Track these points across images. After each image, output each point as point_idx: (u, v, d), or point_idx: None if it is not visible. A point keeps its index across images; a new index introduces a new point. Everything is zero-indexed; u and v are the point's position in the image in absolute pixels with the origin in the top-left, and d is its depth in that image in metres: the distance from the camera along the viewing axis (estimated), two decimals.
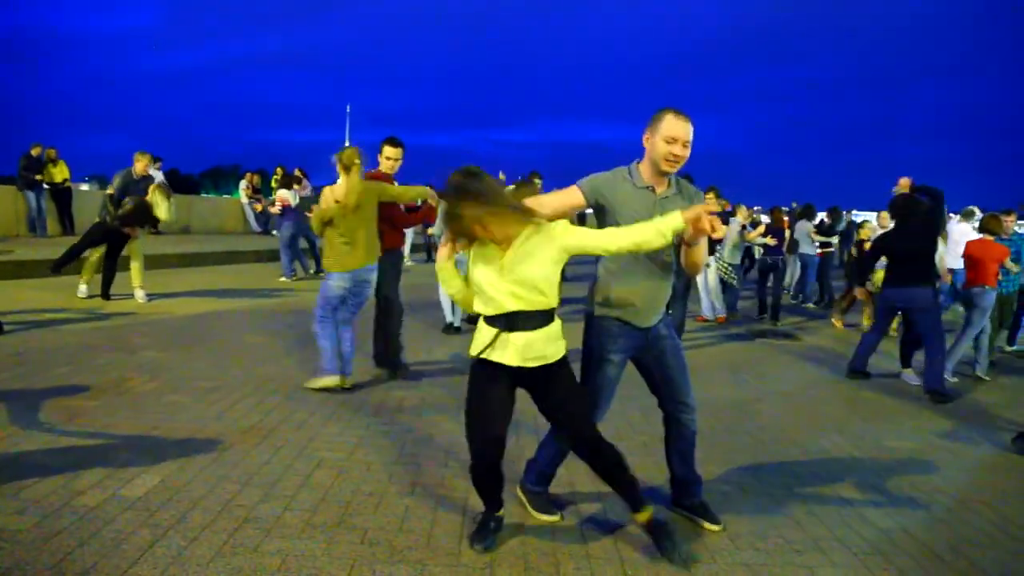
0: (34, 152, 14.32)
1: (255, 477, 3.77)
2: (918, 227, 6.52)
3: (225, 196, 38.90)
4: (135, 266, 8.94)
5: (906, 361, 7.21)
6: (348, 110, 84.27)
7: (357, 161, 5.31)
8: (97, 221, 8.67)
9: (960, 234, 10.06)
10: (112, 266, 8.82)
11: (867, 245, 10.39)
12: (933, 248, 6.58)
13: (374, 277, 5.47)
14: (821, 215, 14.07)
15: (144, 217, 8.49)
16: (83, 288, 8.81)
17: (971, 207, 11.90)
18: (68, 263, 8.71)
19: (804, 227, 12.94)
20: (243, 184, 20.15)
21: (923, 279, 6.46)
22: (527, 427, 4.84)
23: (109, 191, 8.73)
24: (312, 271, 12.61)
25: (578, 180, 3.28)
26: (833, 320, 10.71)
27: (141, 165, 8.74)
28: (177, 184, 59.80)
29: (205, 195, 63.40)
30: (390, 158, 5.77)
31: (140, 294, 8.89)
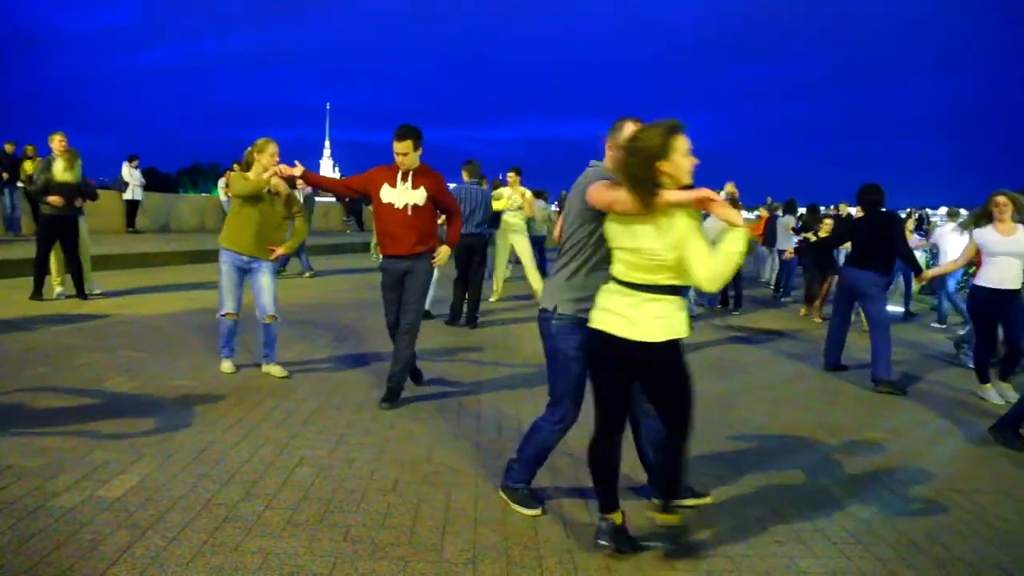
0: (8, 149, 14.12)
1: (236, 475, 3.74)
2: (882, 214, 6.68)
3: (204, 194, 38.61)
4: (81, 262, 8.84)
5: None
6: (328, 108, 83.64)
7: (256, 155, 5.47)
8: (37, 216, 8.57)
9: (945, 234, 10.16)
10: (76, 263, 8.66)
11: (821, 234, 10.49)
12: (893, 235, 6.56)
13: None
14: (802, 210, 14.16)
15: (59, 185, 8.25)
16: (58, 289, 8.70)
17: (955, 208, 12.09)
18: (42, 280, 8.58)
19: (784, 222, 13.02)
20: (222, 182, 19.89)
21: (876, 265, 6.51)
22: (509, 427, 4.86)
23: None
24: (309, 274, 12.38)
25: (595, 179, 3.19)
26: (813, 316, 10.79)
27: (54, 144, 8.52)
28: (156, 183, 59.17)
29: (184, 193, 62.80)
30: (397, 153, 5.06)
31: (89, 288, 8.82)
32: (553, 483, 3.86)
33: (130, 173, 16.23)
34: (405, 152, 5.03)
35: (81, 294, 8.64)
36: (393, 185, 5.11)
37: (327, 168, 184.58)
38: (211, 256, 13.61)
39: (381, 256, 5.37)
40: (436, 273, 5.43)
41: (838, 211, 14.71)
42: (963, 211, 11.60)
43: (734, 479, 4.09)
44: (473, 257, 8.49)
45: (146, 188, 17.58)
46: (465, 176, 8.66)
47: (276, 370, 5.76)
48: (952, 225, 10.80)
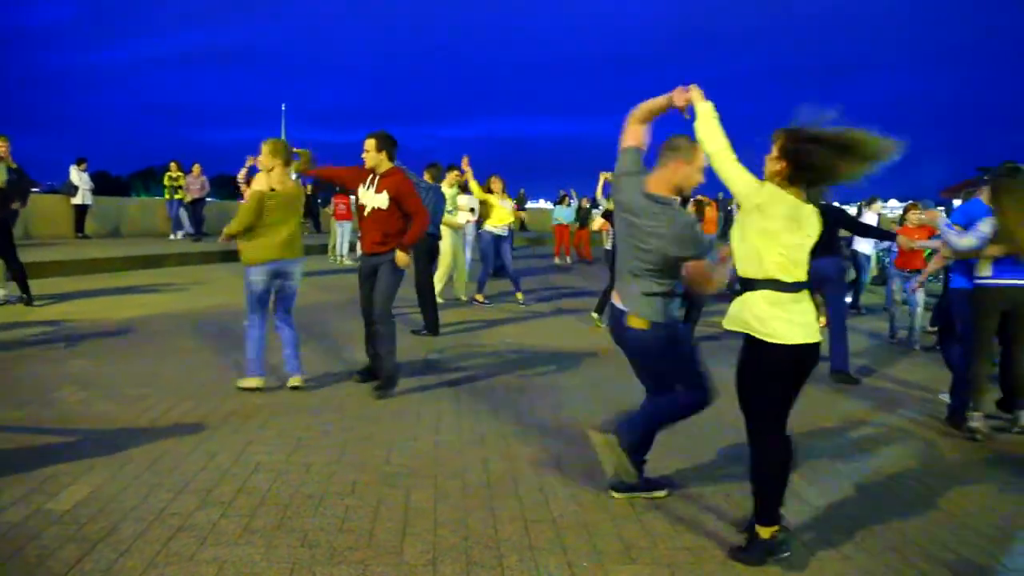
0: None
1: (190, 484, 3.66)
2: (824, 206, 6.82)
3: (156, 198, 37.74)
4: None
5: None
6: (283, 108, 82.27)
7: (301, 166, 5.47)
8: None
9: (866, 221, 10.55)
10: (16, 266, 8.37)
11: None
12: (847, 226, 6.82)
13: (297, 271, 5.43)
14: None
15: None
16: (1, 292, 8.45)
17: (874, 196, 12.50)
18: None
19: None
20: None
21: (833, 250, 6.59)
22: (467, 428, 4.85)
23: None
24: None
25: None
26: None
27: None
28: (107, 186, 57.73)
29: (136, 197, 61.47)
30: (365, 150, 5.42)
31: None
32: (515, 483, 3.85)
33: (79, 176, 15.81)
34: (367, 150, 5.38)
35: (26, 298, 8.38)
36: (367, 187, 5.44)
37: None
38: (163, 260, 13.43)
39: (340, 258, 5.55)
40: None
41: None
42: (880, 200, 12.13)
43: (691, 470, 4.12)
44: (431, 260, 8.39)
45: (97, 192, 17.14)
46: (428, 178, 8.61)
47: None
48: (870, 213, 11.12)
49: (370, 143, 5.38)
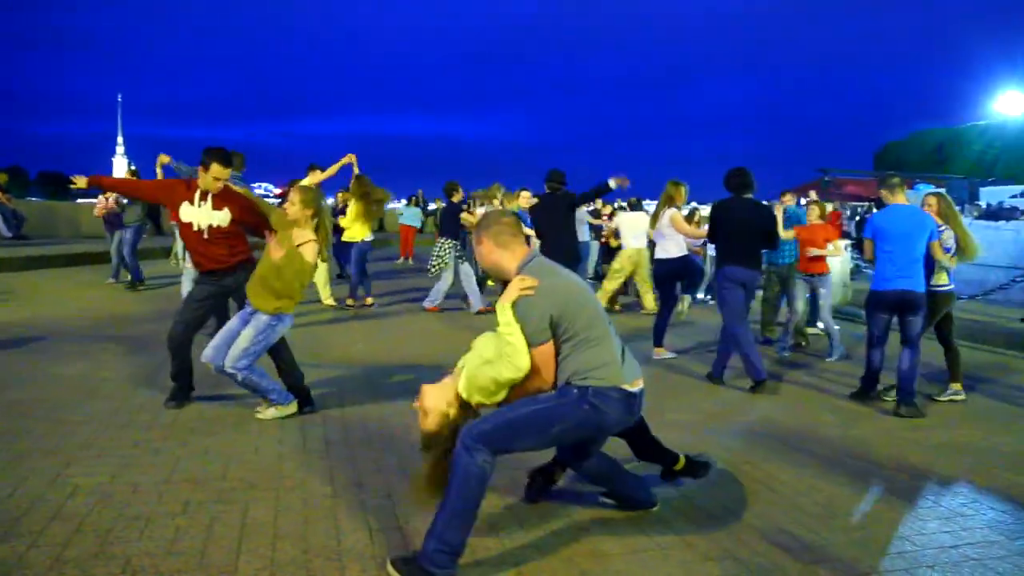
0: None
1: None
2: (754, 201, 6.34)
3: None
4: None
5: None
6: (120, 100, 76.57)
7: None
8: None
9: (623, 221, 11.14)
10: None
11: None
12: (773, 224, 6.35)
13: None
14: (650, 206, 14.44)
15: None
16: None
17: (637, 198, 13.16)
18: None
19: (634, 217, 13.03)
20: None
21: (759, 258, 6.42)
22: (313, 437, 4.66)
23: None
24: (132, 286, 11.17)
25: None
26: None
27: None
28: None
29: None
30: (219, 179, 4.87)
31: None
32: (359, 489, 3.71)
33: None
34: (219, 177, 4.87)
35: None
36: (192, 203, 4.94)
37: (121, 167, 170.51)
38: None
39: (182, 262, 5.14)
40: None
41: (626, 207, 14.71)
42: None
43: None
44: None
45: None
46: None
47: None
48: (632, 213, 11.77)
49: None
